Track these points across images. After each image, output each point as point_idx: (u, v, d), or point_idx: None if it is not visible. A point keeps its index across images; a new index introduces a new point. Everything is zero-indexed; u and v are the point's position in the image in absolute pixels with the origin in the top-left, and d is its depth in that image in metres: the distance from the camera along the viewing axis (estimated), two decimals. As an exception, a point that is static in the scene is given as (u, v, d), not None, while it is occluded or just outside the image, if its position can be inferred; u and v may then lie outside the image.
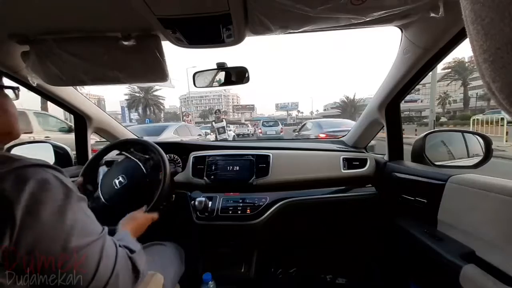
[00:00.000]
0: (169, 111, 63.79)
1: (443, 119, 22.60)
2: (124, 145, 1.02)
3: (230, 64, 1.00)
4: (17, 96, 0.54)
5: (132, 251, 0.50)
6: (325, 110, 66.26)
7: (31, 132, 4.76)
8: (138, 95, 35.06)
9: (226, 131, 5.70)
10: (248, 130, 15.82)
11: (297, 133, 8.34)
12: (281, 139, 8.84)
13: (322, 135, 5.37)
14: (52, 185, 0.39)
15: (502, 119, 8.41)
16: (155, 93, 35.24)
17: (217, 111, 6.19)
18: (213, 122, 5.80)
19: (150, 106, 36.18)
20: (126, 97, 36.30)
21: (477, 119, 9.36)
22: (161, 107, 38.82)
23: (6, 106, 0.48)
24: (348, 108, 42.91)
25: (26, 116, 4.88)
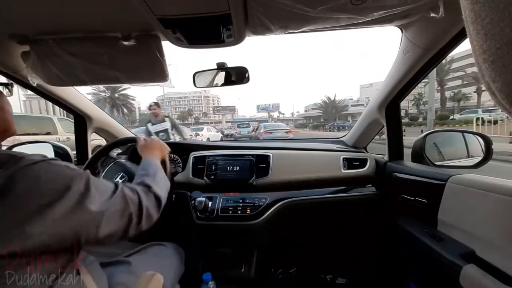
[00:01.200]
0: (144, 112, 58.30)
1: (420, 120, 22.67)
2: (119, 145, 1.01)
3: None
4: (10, 92, 0.54)
5: (148, 186, 0.58)
6: (306, 111, 66.32)
7: (57, 134, 5.60)
8: (103, 94, 30.58)
9: (171, 135, 3.32)
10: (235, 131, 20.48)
11: (254, 131, 14.57)
12: (252, 138, 13.57)
13: (265, 132, 11.36)
14: (62, 174, 0.41)
15: (478, 119, 8.62)
16: (123, 92, 31.03)
17: (154, 104, 3.41)
18: (149, 124, 3.33)
19: (118, 106, 31.75)
20: (90, 96, 28.92)
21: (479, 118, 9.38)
22: (132, 107, 34.10)
23: (1, 104, 0.48)
24: (329, 108, 42.81)
25: (53, 121, 5.73)
